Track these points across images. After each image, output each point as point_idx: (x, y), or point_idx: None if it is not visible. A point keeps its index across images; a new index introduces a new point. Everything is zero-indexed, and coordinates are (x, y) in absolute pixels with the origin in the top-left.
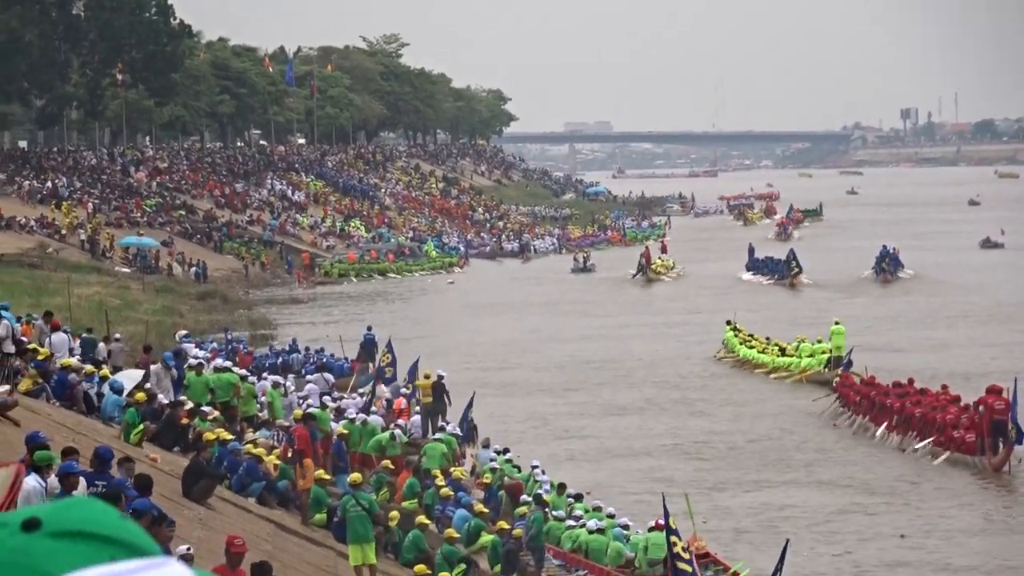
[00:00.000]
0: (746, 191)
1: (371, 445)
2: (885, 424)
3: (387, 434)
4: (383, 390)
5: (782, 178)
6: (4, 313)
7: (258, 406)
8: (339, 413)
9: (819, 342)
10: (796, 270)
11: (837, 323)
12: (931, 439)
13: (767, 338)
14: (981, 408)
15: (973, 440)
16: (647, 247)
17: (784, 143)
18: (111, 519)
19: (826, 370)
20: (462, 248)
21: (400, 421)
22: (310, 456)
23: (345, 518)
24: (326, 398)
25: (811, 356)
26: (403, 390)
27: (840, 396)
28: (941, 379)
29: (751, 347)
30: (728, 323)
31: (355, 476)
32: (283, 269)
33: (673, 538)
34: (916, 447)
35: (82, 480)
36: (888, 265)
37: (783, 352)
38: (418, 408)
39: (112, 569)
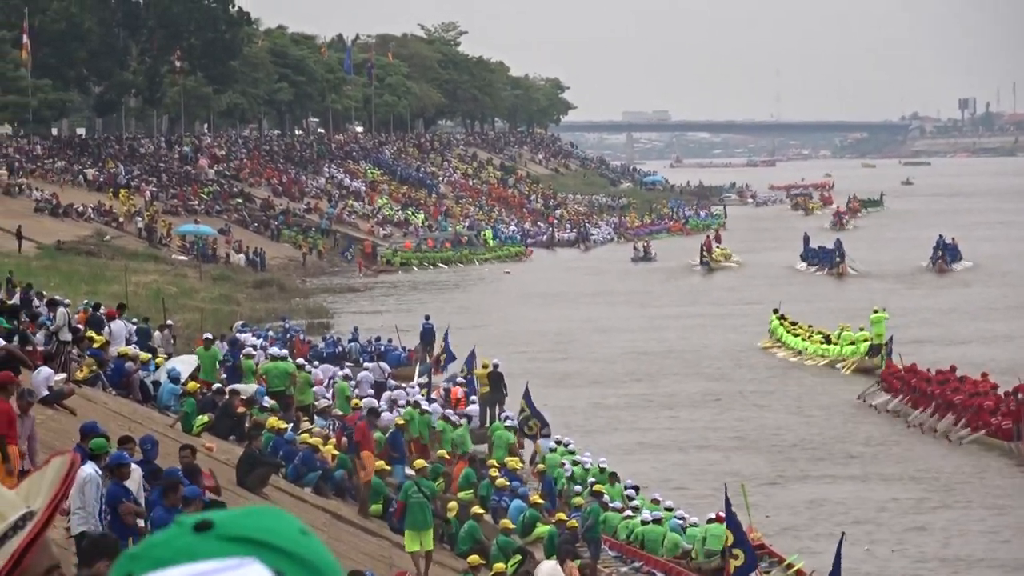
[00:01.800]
0: (798, 180)
1: (452, 440)
2: (921, 408)
3: (462, 429)
4: (439, 380)
5: (842, 167)
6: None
7: (315, 395)
8: (392, 403)
9: (861, 330)
10: (839, 260)
11: (877, 311)
12: (967, 425)
13: (810, 326)
14: (1020, 395)
15: (1010, 427)
16: (708, 236)
17: (842, 133)
18: (289, 531)
19: (867, 358)
20: (519, 237)
21: (452, 411)
22: (368, 449)
23: (405, 504)
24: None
25: (852, 344)
26: (459, 379)
27: (884, 384)
28: (1000, 373)
29: (795, 335)
30: (775, 311)
31: (419, 462)
32: (341, 258)
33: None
34: (956, 435)
35: (136, 469)
36: (945, 255)
37: (826, 340)
38: (475, 398)
39: (191, 569)
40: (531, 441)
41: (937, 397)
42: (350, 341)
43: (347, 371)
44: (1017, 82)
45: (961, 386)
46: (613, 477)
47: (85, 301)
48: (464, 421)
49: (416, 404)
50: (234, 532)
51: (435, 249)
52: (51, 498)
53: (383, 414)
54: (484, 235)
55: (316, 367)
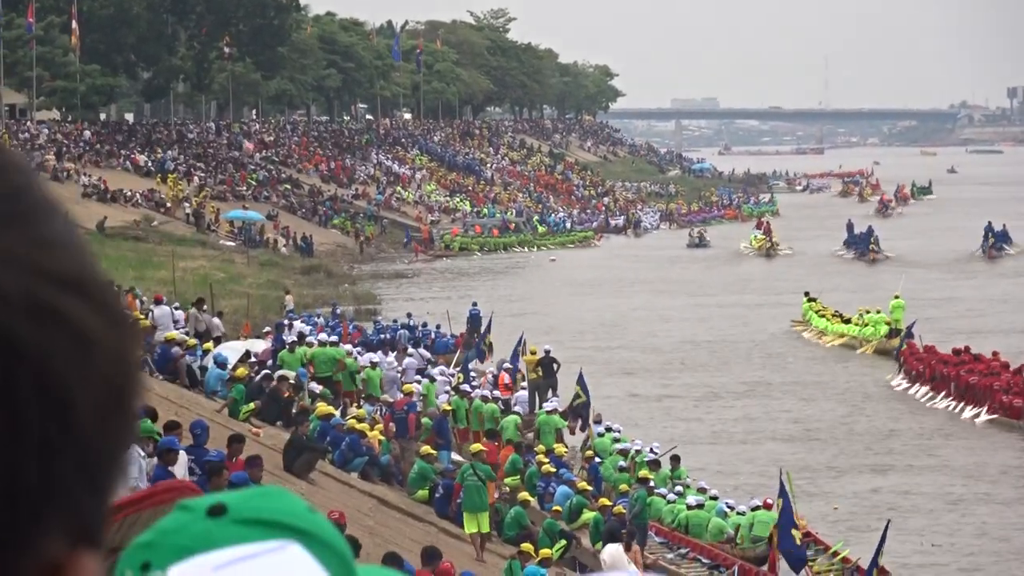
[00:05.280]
0: (836, 168)
1: (510, 430)
2: (943, 393)
3: (513, 417)
4: (482, 366)
5: (893, 155)
6: None
7: (354, 382)
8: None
9: (878, 312)
10: (872, 246)
11: (897, 297)
12: (984, 408)
13: (836, 311)
14: None
15: (1021, 405)
16: (767, 222)
17: (890, 120)
18: (299, 509)
19: (886, 340)
20: (567, 224)
21: (497, 396)
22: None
23: (462, 486)
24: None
25: (869, 326)
26: (506, 365)
27: (905, 365)
28: None
29: (823, 318)
30: (806, 294)
31: (476, 446)
32: (387, 243)
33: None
34: (971, 416)
35: (182, 454)
36: (995, 240)
37: (847, 323)
38: (524, 384)
39: (229, 553)
40: (585, 425)
41: (953, 378)
42: (400, 328)
43: (377, 358)
44: None
45: (975, 366)
46: (675, 460)
47: (131, 286)
48: (517, 408)
49: (461, 390)
50: (249, 514)
51: (482, 235)
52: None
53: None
54: (535, 222)
55: (362, 355)
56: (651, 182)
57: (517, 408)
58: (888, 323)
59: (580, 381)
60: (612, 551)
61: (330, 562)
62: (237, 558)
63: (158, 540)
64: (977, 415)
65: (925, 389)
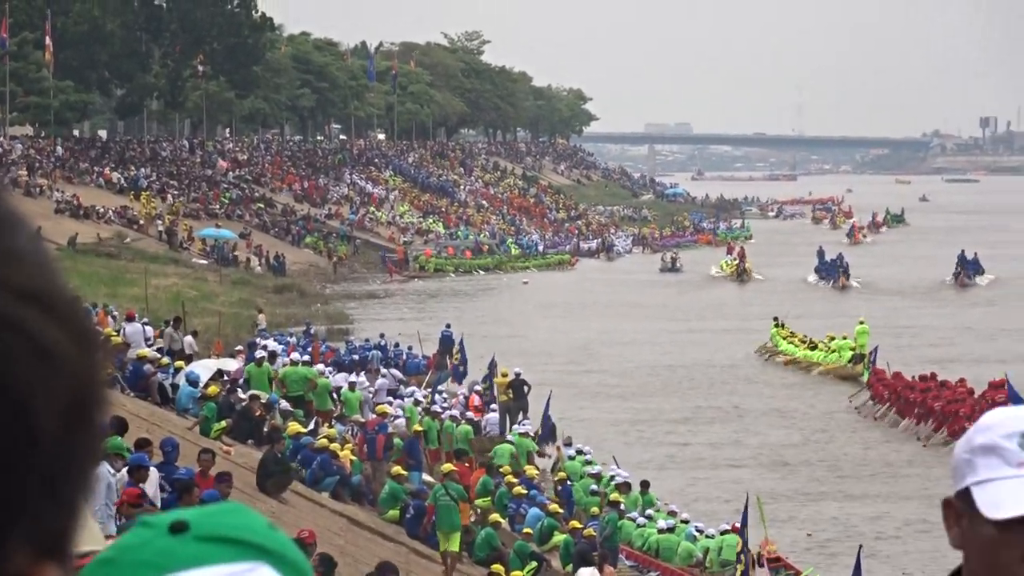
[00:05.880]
0: (805, 195)
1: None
2: (908, 418)
3: (464, 428)
4: (454, 387)
5: (865, 183)
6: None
7: (331, 401)
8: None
9: (844, 338)
10: (842, 273)
11: (862, 322)
12: (946, 431)
13: (804, 336)
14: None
15: None
16: (742, 247)
17: (863, 148)
18: (260, 526)
19: (849, 365)
20: (540, 247)
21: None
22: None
23: (435, 506)
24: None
25: (835, 352)
26: (477, 387)
27: (872, 391)
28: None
29: (791, 344)
30: (775, 319)
31: (447, 466)
32: (360, 263)
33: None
34: (931, 440)
35: (153, 471)
36: (966, 269)
37: (814, 348)
38: (494, 406)
39: (197, 574)
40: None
41: (919, 404)
42: (372, 348)
43: (353, 379)
44: None
45: (940, 393)
46: (644, 485)
47: (104, 303)
48: (488, 430)
49: (431, 411)
50: (211, 531)
51: (455, 257)
52: None
53: (398, 420)
54: (509, 244)
55: (334, 374)
56: (624, 206)
57: (488, 429)
58: (852, 348)
59: (547, 405)
60: (585, 575)
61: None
62: None
63: (118, 557)
64: (939, 437)
65: (892, 415)
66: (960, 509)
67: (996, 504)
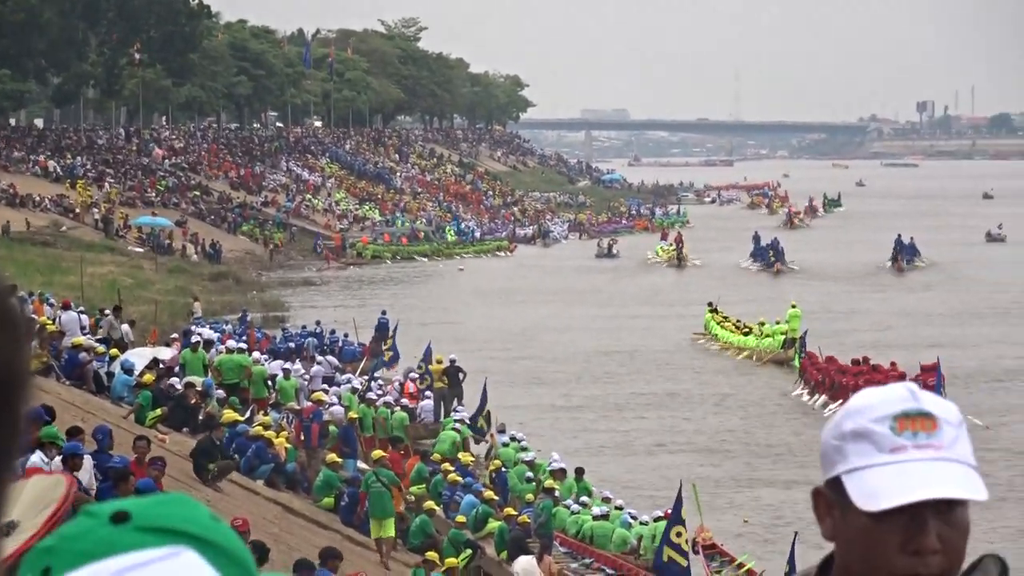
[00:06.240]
0: (740, 180)
1: (395, 427)
2: (840, 401)
3: (400, 415)
4: (393, 374)
5: (803, 168)
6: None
7: (266, 389)
8: (340, 397)
9: (777, 323)
10: (774, 259)
11: (794, 306)
12: None
13: (738, 320)
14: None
15: None
16: (679, 233)
17: (800, 134)
18: (202, 517)
19: (782, 350)
20: (477, 233)
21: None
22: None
23: (367, 494)
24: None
25: (768, 337)
26: (412, 374)
27: (805, 375)
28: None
29: (724, 329)
30: (709, 305)
31: (377, 453)
32: (296, 250)
33: (678, 527)
34: None
35: (87, 460)
36: (902, 254)
37: (748, 333)
38: (429, 393)
39: (124, 560)
40: (480, 437)
41: (852, 388)
42: (308, 335)
43: (288, 366)
44: (976, 86)
45: (873, 376)
46: (562, 473)
47: (40, 292)
48: (422, 417)
49: (366, 399)
50: (152, 522)
51: (391, 244)
52: (48, 517)
53: (333, 408)
54: (447, 231)
55: (270, 362)
56: (560, 192)
57: (422, 416)
58: (784, 333)
59: (484, 392)
60: (524, 564)
61: (228, 570)
62: (132, 565)
63: (60, 545)
64: None
65: (824, 399)
66: (831, 499)
67: (870, 494)
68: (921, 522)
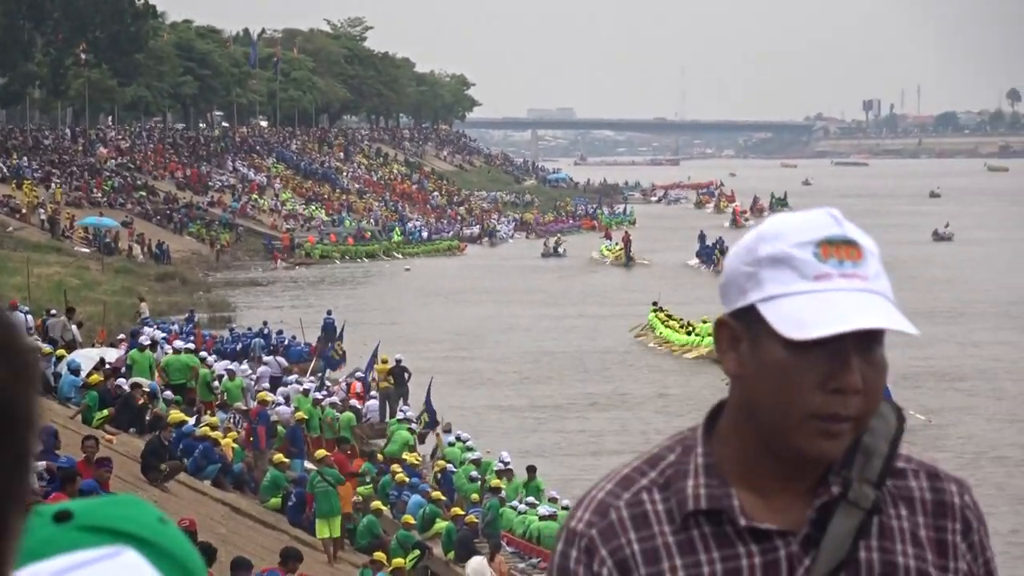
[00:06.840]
0: (683, 180)
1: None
2: None
3: (347, 415)
4: (335, 374)
5: (750, 167)
6: None
7: (211, 392)
8: (288, 398)
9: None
10: (718, 257)
11: None
12: None
13: (682, 320)
14: None
15: None
16: (627, 232)
17: (746, 133)
18: (149, 520)
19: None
20: (424, 233)
21: (355, 403)
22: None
23: (313, 494)
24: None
25: (710, 336)
26: (358, 374)
27: None
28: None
29: (668, 327)
30: (654, 304)
31: (320, 452)
32: (243, 251)
33: None
34: None
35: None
36: None
37: (691, 332)
38: (374, 392)
39: (63, 561)
40: (419, 435)
41: None
42: (254, 336)
43: (232, 367)
44: (921, 85)
45: None
46: (509, 473)
47: None
48: (368, 417)
49: (313, 399)
50: (95, 522)
51: (337, 244)
52: None
53: (280, 408)
54: (395, 231)
55: (217, 362)
56: (507, 192)
57: (368, 416)
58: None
59: (428, 391)
60: (476, 564)
61: (172, 573)
62: (71, 565)
63: None
64: None
65: None
66: (737, 330)
67: (797, 322)
68: (845, 357)
